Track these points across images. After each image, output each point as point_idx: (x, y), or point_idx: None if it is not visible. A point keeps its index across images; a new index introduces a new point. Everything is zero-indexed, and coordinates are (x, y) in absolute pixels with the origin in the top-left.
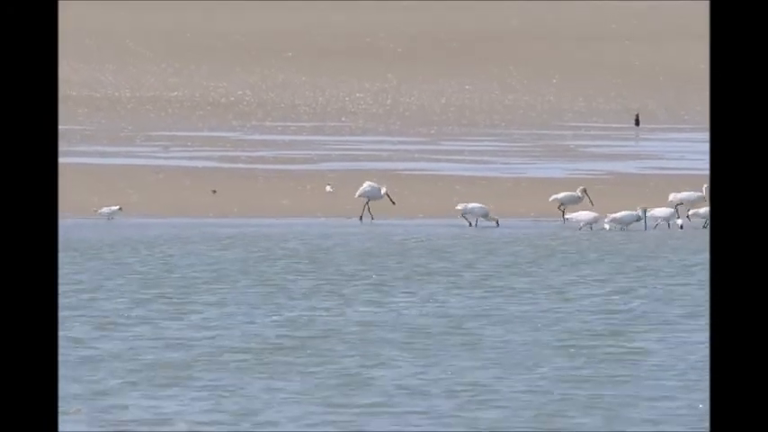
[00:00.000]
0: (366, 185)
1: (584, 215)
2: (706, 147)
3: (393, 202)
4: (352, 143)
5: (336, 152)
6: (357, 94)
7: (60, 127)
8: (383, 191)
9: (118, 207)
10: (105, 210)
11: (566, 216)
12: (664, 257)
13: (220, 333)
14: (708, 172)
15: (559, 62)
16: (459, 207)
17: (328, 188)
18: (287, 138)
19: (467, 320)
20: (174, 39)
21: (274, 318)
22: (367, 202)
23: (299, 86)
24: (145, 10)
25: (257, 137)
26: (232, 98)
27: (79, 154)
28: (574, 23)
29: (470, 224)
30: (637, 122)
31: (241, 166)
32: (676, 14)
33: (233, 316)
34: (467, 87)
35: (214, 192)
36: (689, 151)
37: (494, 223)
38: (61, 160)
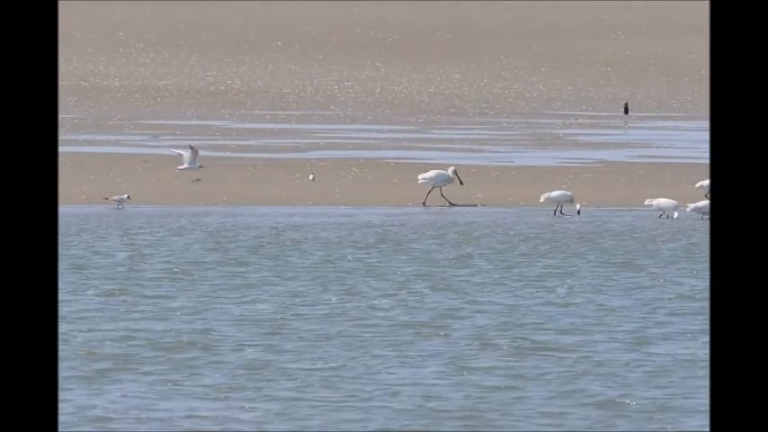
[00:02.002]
0: (432, 173)
1: (664, 202)
2: (695, 135)
3: (461, 182)
4: (341, 132)
5: (325, 140)
6: (346, 83)
7: None
8: (451, 170)
9: (126, 195)
10: (116, 198)
11: (646, 202)
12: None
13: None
14: (696, 160)
15: (549, 51)
16: (543, 198)
17: (311, 177)
18: (276, 126)
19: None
20: (164, 28)
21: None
22: (431, 189)
23: (288, 75)
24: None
25: (246, 125)
26: (221, 87)
27: (68, 143)
28: (564, 15)
29: (555, 212)
30: (626, 111)
31: (230, 154)
32: (667, 6)
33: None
34: (455, 76)
35: (197, 180)
36: (678, 140)
37: (576, 211)
38: None
